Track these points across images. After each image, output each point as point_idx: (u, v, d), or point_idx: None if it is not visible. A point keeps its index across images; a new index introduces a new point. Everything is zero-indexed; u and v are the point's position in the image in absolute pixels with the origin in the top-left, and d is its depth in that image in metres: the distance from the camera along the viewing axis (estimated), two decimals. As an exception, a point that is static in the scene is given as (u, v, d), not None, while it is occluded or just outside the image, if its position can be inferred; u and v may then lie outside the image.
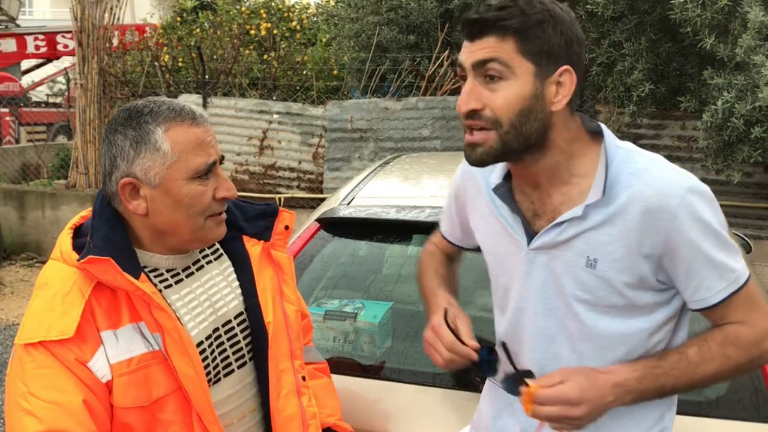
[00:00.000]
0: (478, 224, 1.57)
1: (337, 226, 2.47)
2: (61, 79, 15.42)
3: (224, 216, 1.45)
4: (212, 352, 1.44)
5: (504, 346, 1.48)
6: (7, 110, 12.16)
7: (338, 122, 7.28)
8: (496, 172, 1.48)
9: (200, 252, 1.52)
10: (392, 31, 7.80)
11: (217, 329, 1.47)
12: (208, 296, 1.47)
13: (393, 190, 2.86)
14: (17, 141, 12.58)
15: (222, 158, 1.44)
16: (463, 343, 1.41)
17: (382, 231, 2.48)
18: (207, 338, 1.44)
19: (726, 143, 5.04)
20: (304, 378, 1.57)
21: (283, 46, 9.52)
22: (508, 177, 1.47)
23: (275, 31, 9.84)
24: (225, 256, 1.55)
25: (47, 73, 15.75)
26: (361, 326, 2.18)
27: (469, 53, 1.32)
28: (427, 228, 2.32)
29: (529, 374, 1.44)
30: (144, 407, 1.31)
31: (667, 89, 6.08)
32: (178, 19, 12.01)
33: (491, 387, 1.61)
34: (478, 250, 1.63)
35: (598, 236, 1.34)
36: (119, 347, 1.31)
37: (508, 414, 1.54)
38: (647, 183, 1.31)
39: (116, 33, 8.70)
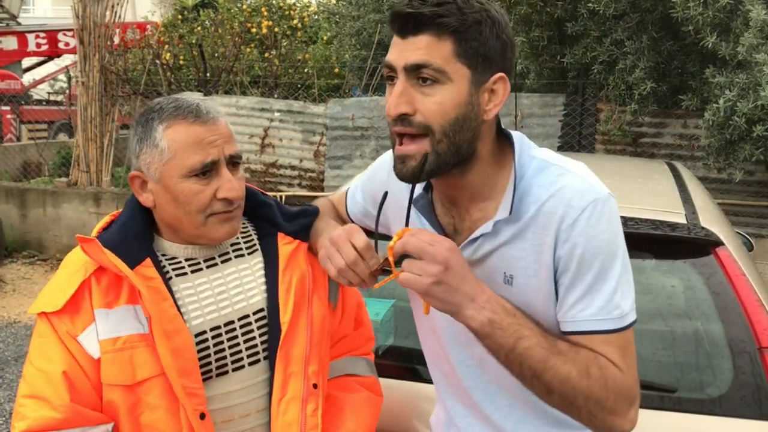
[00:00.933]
0: (395, 225, 1.48)
1: (339, 224, 2.46)
2: (62, 77, 15.42)
3: (231, 214, 1.44)
4: (219, 344, 1.44)
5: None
6: (8, 108, 12.16)
7: (339, 120, 7.29)
8: None
9: (231, 245, 1.53)
10: (394, 29, 7.79)
11: (231, 322, 1.46)
12: (226, 289, 1.48)
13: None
14: (18, 139, 12.58)
15: (233, 157, 1.43)
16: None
17: (384, 229, 2.48)
18: (214, 329, 1.44)
19: (728, 142, 5.04)
20: (315, 386, 1.51)
21: (284, 44, 9.53)
22: (429, 187, 1.39)
23: (276, 29, 9.84)
24: (259, 252, 1.55)
25: (48, 71, 15.76)
26: (363, 324, 2.18)
27: (400, 53, 1.20)
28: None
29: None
30: (127, 386, 1.34)
31: (668, 87, 6.09)
32: (179, 17, 12.01)
33: (442, 396, 1.56)
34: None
35: (512, 251, 1.27)
36: (109, 326, 1.35)
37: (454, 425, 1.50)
38: (555, 194, 1.23)
39: (117, 31, 8.71)
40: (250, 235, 1.56)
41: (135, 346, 1.35)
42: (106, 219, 1.49)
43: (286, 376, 1.47)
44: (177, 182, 1.37)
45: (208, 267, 1.48)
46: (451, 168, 1.25)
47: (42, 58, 14.99)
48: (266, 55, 9.30)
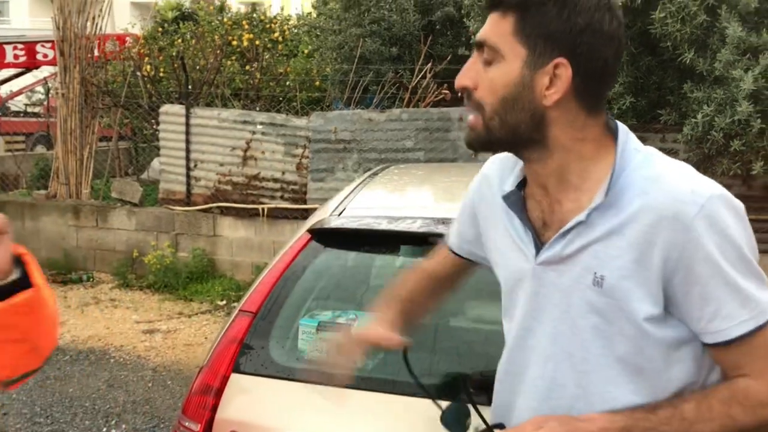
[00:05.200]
0: (489, 235, 1.45)
1: (328, 237, 2.47)
2: (39, 88, 15.25)
3: None
4: None
5: (464, 381, 1.39)
6: (-15, 120, 12.02)
7: (322, 133, 7.29)
8: (510, 179, 1.36)
9: None
10: (375, 43, 7.84)
11: None
12: None
13: (384, 200, 2.87)
14: (-5, 151, 12.42)
15: None
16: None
17: (374, 242, 2.49)
18: None
19: (706, 156, 5.13)
20: None
21: (266, 57, 9.52)
22: (522, 185, 1.34)
23: (257, 42, 9.83)
24: None
25: (26, 82, 15.58)
26: (355, 337, 2.18)
27: (481, 30, 1.24)
28: (419, 239, 2.34)
29: (501, 427, 1.37)
30: None
31: (647, 102, 6.17)
32: (159, 29, 11.97)
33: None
34: (485, 263, 1.53)
35: (606, 249, 1.19)
36: None
37: None
38: (663, 189, 1.17)
39: (96, 42, 8.66)
40: None
41: None
42: None
43: None
44: None
45: None
46: (516, 148, 1.28)
47: (19, 70, 14.82)
48: (247, 67, 9.28)
